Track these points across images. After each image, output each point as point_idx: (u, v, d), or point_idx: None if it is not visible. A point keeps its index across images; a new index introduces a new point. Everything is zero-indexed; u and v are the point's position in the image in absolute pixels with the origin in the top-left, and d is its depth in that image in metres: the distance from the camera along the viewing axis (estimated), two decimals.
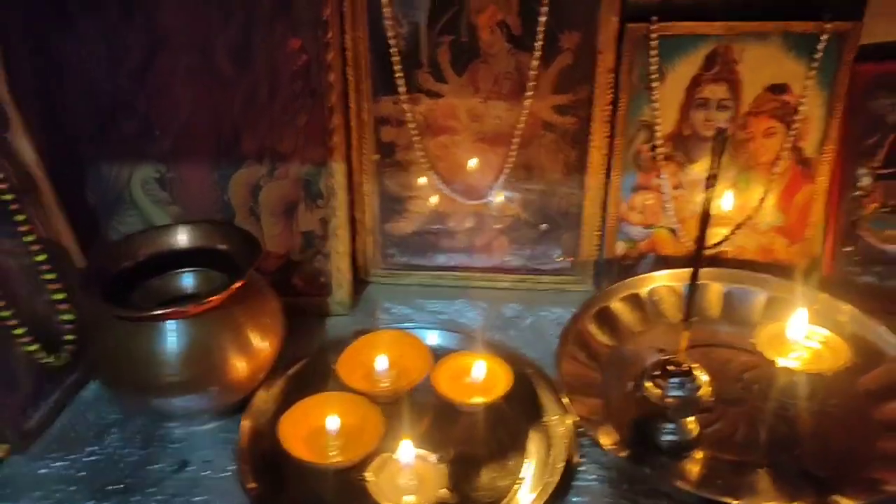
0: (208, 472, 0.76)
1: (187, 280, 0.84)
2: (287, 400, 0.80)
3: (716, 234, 0.98)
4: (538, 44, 0.89)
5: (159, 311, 0.71)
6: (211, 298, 0.73)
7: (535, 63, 0.90)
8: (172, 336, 0.73)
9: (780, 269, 0.97)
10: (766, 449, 0.77)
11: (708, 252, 0.98)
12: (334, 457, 0.74)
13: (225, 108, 0.92)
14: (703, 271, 0.94)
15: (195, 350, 0.74)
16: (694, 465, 0.75)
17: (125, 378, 0.75)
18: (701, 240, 0.73)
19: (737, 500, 0.70)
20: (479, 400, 0.80)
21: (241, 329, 0.77)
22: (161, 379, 0.73)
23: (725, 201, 0.96)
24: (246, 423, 0.78)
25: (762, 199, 0.95)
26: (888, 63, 0.88)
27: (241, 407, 0.80)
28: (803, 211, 0.95)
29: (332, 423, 0.75)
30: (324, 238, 0.95)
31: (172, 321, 0.73)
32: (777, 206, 0.95)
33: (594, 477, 0.75)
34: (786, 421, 0.79)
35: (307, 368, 0.85)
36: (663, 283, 0.95)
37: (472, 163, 0.97)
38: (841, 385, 0.82)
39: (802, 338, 0.82)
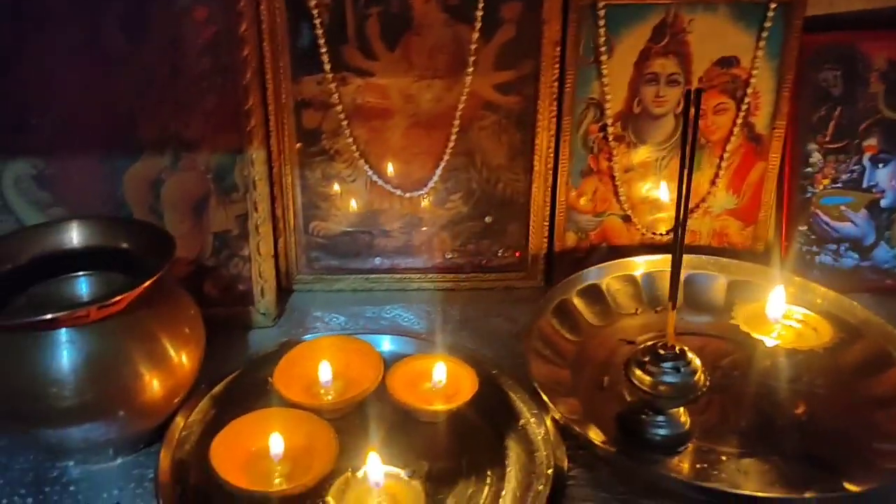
0: None
1: (83, 285, 0.69)
2: (214, 425, 0.66)
3: (665, 220, 0.92)
4: (478, 13, 0.81)
5: (47, 317, 0.56)
6: (115, 299, 0.58)
7: (474, 36, 0.82)
8: (66, 349, 0.58)
9: (734, 254, 0.92)
10: (760, 435, 0.70)
11: (659, 240, 0.93)
12: (282, 483, 0.61)
13: (116, 91, 0.78)
14: (658, 259, 0.89)
15: (96, 366, 0.59)
16: (691, 459, 0.67)
17: (5, 405, 0.59)
18: (683, 214, 0.66)
19: (747, 490, 0.63)
20: (443, 406, 0.69)
21: (153, 339, 0.63)
22: (53, 403, 0.58)
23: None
24: (165, 454, 0.63)
25: (714, 180, 0.90)
26: (833, 33, 0.86)
27: (155, 437, 0.66)
28: (756, 191, 0.91)
29: (276, 443, 0.62)
30: (241, 238, 0.82)
31: (66, 329, 0.58)
32: (729, 188, 0.91)
33: (584, 481, 0.65)
34: (776, 404, 0.73)
35: (235, 385, 0.72)
36: (620, 272, 0.88)
37: (408, 150, 0.87)
38: (822, 363, 0.77)
39: (781, 317, 0.77)
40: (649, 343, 0.68)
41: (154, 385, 0.62)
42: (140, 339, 0.62)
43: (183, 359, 0.65)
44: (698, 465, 0.67)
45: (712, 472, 0.66)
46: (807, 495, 0.63)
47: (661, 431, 0.68)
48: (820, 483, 0.64)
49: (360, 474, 0.59)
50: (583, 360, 0.79)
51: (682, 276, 0.87)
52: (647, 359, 0.67)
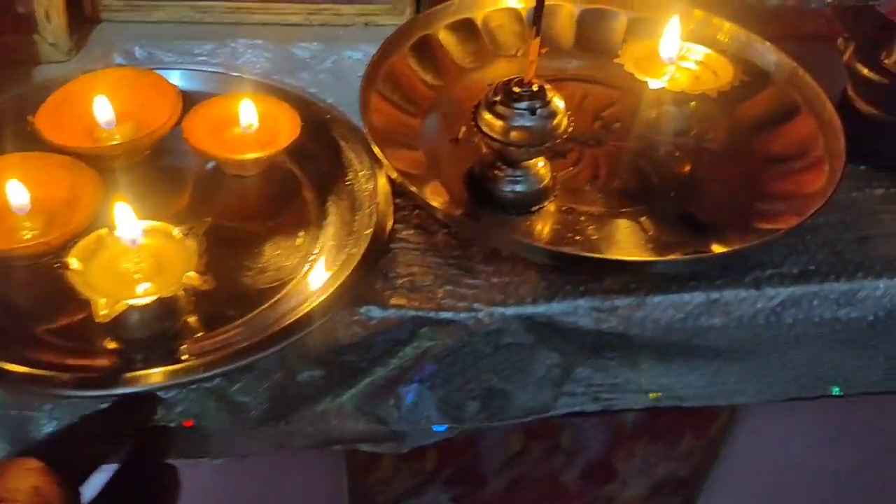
0: None
1: None
2: None
3: None
4: None
5: None
6: None
7: None
8: None
9: None
10: (634, 195, 0.60)
11: None
12: (28, 240, 0.49)
13: None
14: None
15: None
16: (545, 220, 0.57)
17: None
18: None
19: (600, 254, 0.54)
20: (249, 155, 0.56)
21: None
22: None
23: None
24: None
25: None
26: None
27: None
28: None
29: (18, 193, 0.50)
30: None
31: None
32: None
33: (415, 244, 0.55)
34: (658, 160, 0.62)
35: None
36: (503, 4, 0.73)
37: None
38: (718, 115, 0.65)
39: (676, 56, 0.64)
40: (503, 81, 0.55)
41: None
42: None
43: None
44: (553, 227, 0.57)
45: (567, 234, 0.56)
46: (668, 258, 0.54)
47: (517, 188, 0.58)
48: (688, 245, 0.55)
49: (117, 231, 0.47)
50: (442, 109, 0.66)
51: (575, 13, 0.74)
52: (497, 98, 0.54)
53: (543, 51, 0.71)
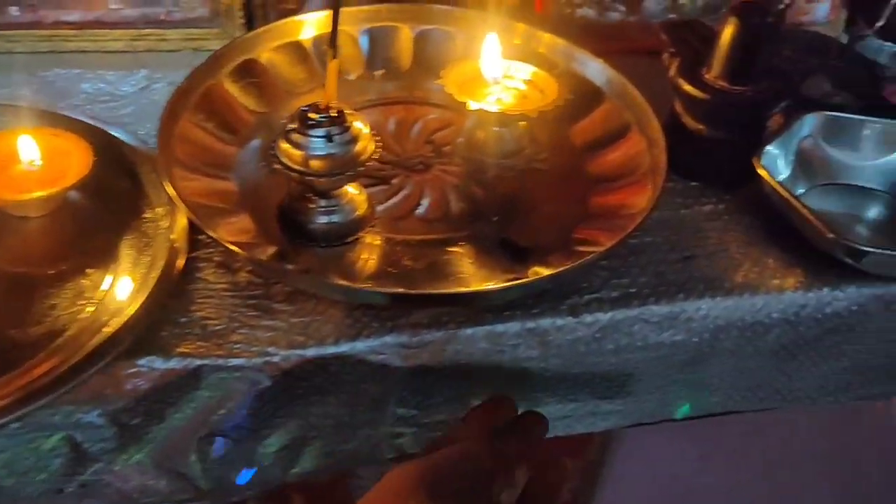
0: None
1: None
2: None
3: None
4: None
5: None
6: None
7: None
8: None
9: (478, 3, 0.74)
10: (457, 221, 0.57)
11: None
12: None
13: None
14: (388, 8, 0.71)
15: None
16: (359, 252, 0.54)
17: None
18: None
19: (412, 289, 0.51)
20: (34, 194, 0.52)
21: None
22: None
23: None
24: None
25: None
26: None
27: None
28: None
29: None
30: None
31: None
32: None
33: (213, 284, 0.51)
34: (484, 184, 0.60)
35: None
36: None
37: None
38: (549, 135, 0.63)
39: (501, 76, 0.62)
40: (299, 108, 0.52)
41: None
42: None
43: None
44: (365, 260, 0.54)
45: (381, 266, 0.53)
46: (475, 288, 0.51)
47: (332, 218, 0.54)
48: (507, 272, 0.52)
49: None
50: (266, 136, 0.62)
51: (412, 34, 0.72)
52: (294, 126, 0.51)
53: (380, 73, 0.70)
